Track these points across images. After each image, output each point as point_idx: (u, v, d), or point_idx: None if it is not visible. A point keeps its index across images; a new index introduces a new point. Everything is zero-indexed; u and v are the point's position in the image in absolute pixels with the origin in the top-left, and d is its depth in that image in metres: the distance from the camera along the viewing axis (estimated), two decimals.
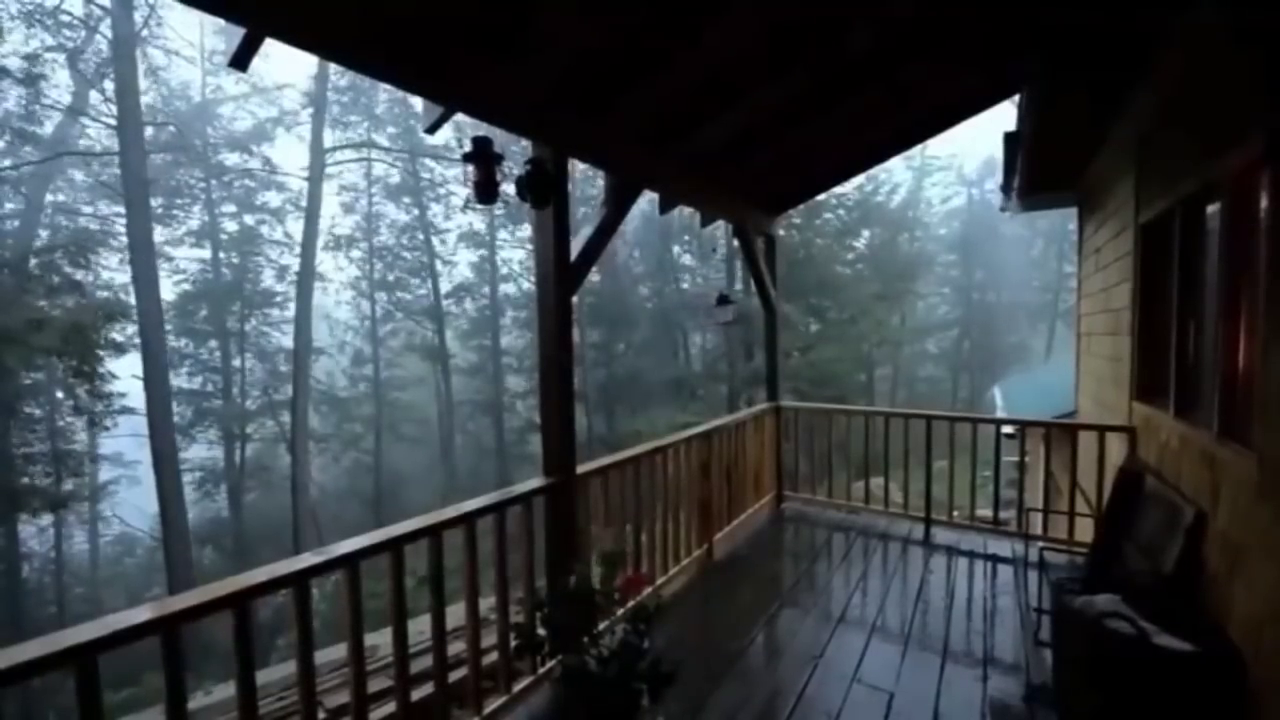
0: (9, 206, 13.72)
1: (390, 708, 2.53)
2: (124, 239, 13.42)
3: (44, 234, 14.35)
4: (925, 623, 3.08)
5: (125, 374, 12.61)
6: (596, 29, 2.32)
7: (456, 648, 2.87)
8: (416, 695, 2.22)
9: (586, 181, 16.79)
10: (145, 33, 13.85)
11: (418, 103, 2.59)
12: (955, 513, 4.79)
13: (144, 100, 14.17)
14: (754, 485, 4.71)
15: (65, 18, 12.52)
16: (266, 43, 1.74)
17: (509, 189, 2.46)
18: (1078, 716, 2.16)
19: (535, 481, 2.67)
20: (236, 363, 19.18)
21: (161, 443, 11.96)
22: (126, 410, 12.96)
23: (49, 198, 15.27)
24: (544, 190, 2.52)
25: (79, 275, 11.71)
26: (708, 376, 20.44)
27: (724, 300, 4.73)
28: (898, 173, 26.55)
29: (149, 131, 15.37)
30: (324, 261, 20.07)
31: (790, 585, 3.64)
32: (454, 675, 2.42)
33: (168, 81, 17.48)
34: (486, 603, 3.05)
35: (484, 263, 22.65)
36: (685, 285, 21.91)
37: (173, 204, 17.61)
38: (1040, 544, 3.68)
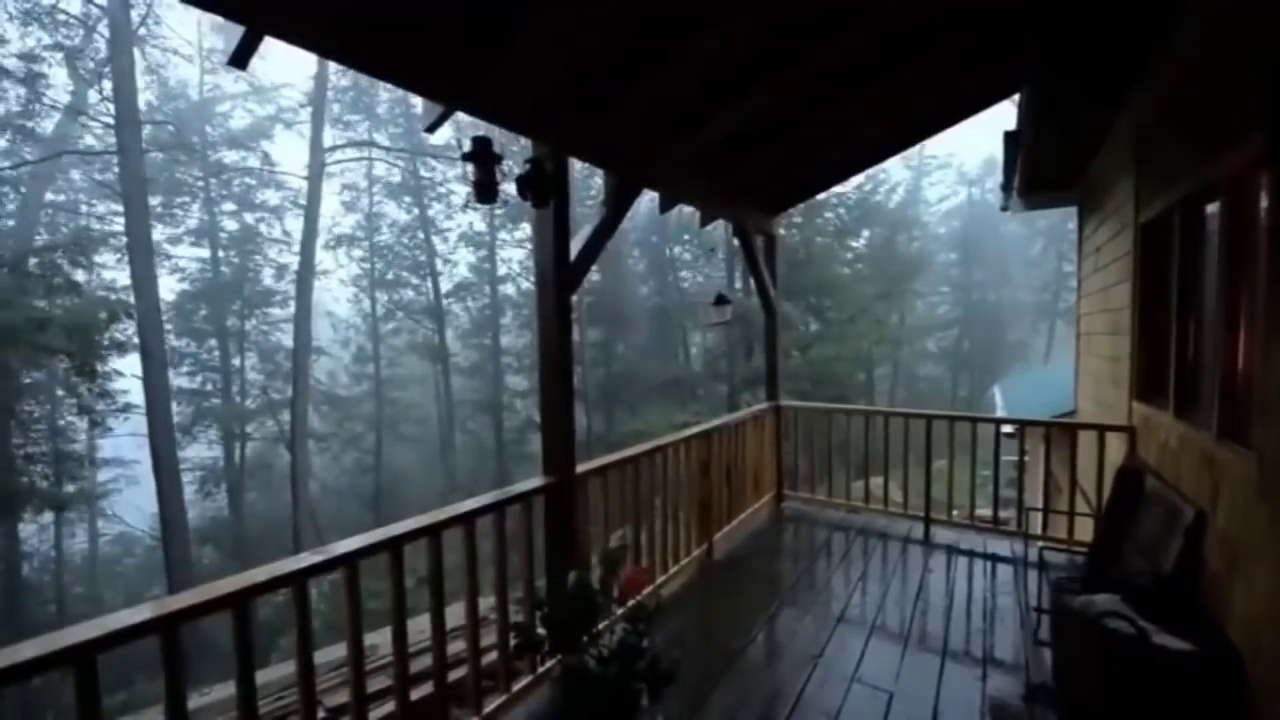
0: (9, 206, 13.70)
1: (390, 707, 2.54)
2: (123, 239, 13.39)
3: (44, 233, 14.34)
4: (925, 622, 3.08)
5: (125, 373, 12.60)
6: (595, 28, 2.32)
7: (456, 647, 2.87)
8: (416, 695, 2.22)
9: (585, 182, 16.77)
10: (143, 31, 13.82)
11: (418, 101, 2.59)
12: (955, 512, 4.79)
13: (143, 99, 14.12)
14: (754, 485, 4.71)
15: (62, 16, 12.51)
16: (267, 41, 1.74)
17: (509, 188, 2.45)
18: (1077, 716, 2.16)
19: (535, 481, 2.66)
20: (236, 362, 19.19)
21: (161, 442, 11.94)
22: (129, 406, 12.93)
23: (49, 197, 15.25)
24: (543, 189, 2.51)
25: (78, 275, 11.69)
26: (708, 376, 20.45)
27: (721, 300, 4.71)
28: (897, 172, 26.62)
29: (148, 130, 15.36)
30: (325, 260, 20.12)
31: (790, 585, 3.64)
32: (453, 675, 2.43)
33: (167, 80, 17.44)
34: (486, 602, 3.05)
35: (483, 262, 22.65)
36: (686, 284, 21.91)
37: (172, 203, 17.58)
38: (1040, 543, 3.68)
